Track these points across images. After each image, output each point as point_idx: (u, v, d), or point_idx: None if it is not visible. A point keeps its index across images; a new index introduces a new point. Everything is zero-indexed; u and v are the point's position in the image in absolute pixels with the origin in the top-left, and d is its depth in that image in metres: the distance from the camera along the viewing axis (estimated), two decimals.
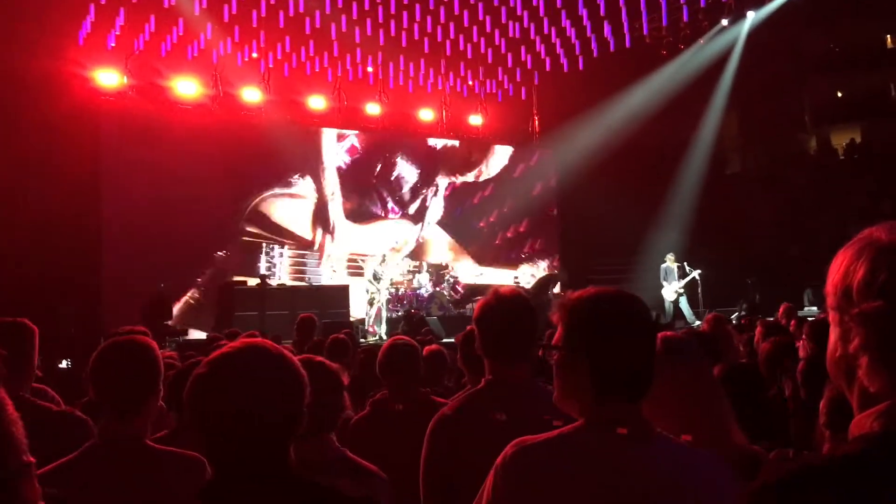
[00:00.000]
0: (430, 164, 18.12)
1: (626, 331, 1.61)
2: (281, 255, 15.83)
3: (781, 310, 7.81)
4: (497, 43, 16.66)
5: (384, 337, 12.92)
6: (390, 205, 17.47)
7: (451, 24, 15.74)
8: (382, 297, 14.28)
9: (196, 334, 12.83)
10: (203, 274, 14.63)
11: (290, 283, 15.45)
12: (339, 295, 14.01)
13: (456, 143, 18.45)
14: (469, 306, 15.15)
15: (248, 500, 1.48)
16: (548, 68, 17.50)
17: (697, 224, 17.21)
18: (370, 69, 16.47)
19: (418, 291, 15.34)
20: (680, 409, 1.91)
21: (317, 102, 16.18)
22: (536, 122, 19.48)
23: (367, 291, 14.69)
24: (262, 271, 15.01)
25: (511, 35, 16.42)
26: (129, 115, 13.85)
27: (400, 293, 15.13)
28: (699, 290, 15.30)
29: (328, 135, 16.75)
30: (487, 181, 18.80)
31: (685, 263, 15.28)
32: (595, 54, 16.40)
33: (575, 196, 17.69)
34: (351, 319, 13.57)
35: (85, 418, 2.79)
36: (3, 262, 11.26)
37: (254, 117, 15.32)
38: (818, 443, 2.84)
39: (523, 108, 19.06)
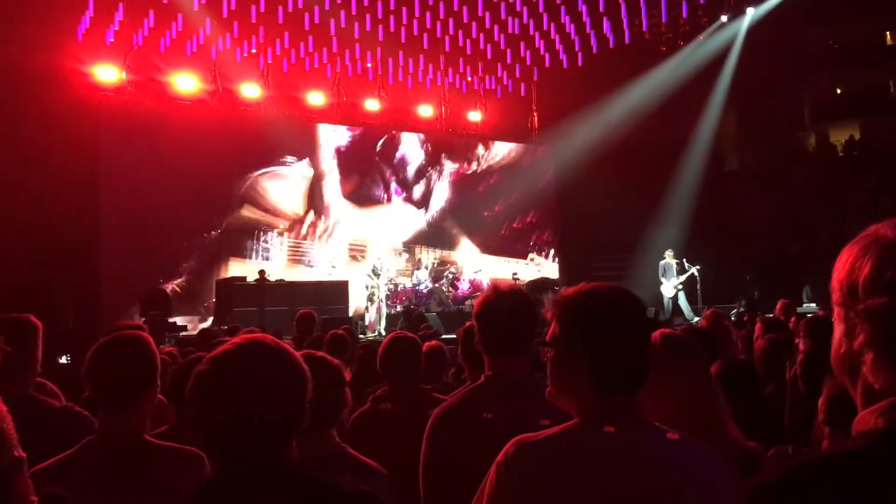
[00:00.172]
0: (436, 146, 18.09)
1: (623, 327, 1.61)
2: (279, 238, 15.67)
3: (779, 306, 7.82)
4: (496, 39, 16.64)
5: (383, 333, 12.91)
6: (393, 186, 17.36)
7: (451, 21, 15.73)
8: (382, 293, 14.26)
9: (181, 321, 12.81)
10: (191, 257, 14.49)
11: (287, 268, 15.39)
12: (339, 291, 14.00)
13: None
14: (468, 302, 15.17)
15: (251, 497, 1.47)
16: (547, 64, 17.49)
17: (696, 221, 17.21)
18: (369, 65, 16.47)
19: (417, 287, 15.35)
20: (678, 407, 1.92)
21: (316, 98, 16.17)
22: (536, 119, 19.47)
23: (367, 287, 14.69)
24: (258, 257, 14.94)
25: (510, 31, 16.41)
26: (128, 110, 13.83)
27: (399, 289, 15.13)
28: (698, 286, 15.32)
29: (326, 129, 16.74)
30: (492, 170, 18.76)
31: (684, 260, 15.28)
32: (594, 51, 16.39)
33: (574, 192, 17.69)
34: (350, 315, 13.56)
35: (86, 414, 2.78)
36: (2, 257, 11.24)
37: (253, 113, 15.30)
38: (817, 439, 2.85)
39: (522, 104, 19.05)
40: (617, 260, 16.60)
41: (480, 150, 18.86)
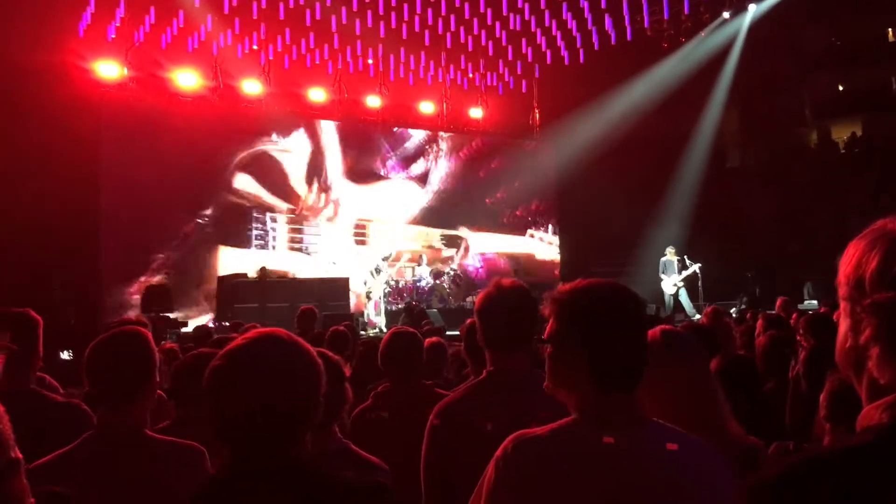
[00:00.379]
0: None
1: (621, 324, 1.61)
2: (275, 220, 15.50)
3: (779, 303, 7.82)
4: (498, 35, 16.61)
5: (384, 329, 12.90)
6: (392, 161, 17.34)
7: (452, 17, 15.70)
8: (379, 292, 14.21)
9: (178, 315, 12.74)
10: (183, 247, 14.27)
11: (286, 252, 15.35)
12: (340, 287, 14.00)
13: None
14: (469, 299, 15.17)
15: (264, 493, 1.46)
16: (549, 61, 17.45)
17: (697, 218, 17.20)
18: (370, 61, 16.43)
19: (419, 284, 15.34)
20: (678, 403, 1.92)
21: (317, 94, 16.15)
22: (537, 115, 19.43)
23: (366, 283, 14.65)
24: (253, 240, 14.88)
25: (512, 27, 16.37)
26: (129, 107, 13.81)
27: (400, 286, 15.12)
28: (699, 283, 15.31)
29: (327, 126, 16.73)
30: (493, 153, 18.74)
31: (685, 257, 15.28)
32: (596, 47, 16.36)
33: (575, 189, 17.67)
34: (351, 311, 13.55)
35: (86, 409, 2.79)
36: (2, 252, 11.24)
37: (254, 109, 15.30)
38: (818, 436, 2.84)
39: (524, 100, 19.01)
40: (618, 257, 16.60)
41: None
